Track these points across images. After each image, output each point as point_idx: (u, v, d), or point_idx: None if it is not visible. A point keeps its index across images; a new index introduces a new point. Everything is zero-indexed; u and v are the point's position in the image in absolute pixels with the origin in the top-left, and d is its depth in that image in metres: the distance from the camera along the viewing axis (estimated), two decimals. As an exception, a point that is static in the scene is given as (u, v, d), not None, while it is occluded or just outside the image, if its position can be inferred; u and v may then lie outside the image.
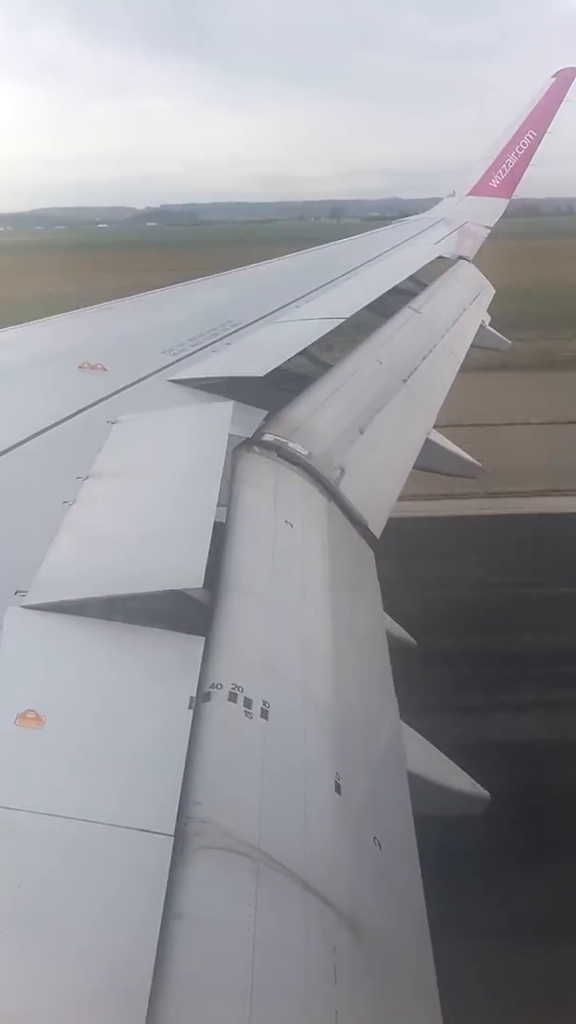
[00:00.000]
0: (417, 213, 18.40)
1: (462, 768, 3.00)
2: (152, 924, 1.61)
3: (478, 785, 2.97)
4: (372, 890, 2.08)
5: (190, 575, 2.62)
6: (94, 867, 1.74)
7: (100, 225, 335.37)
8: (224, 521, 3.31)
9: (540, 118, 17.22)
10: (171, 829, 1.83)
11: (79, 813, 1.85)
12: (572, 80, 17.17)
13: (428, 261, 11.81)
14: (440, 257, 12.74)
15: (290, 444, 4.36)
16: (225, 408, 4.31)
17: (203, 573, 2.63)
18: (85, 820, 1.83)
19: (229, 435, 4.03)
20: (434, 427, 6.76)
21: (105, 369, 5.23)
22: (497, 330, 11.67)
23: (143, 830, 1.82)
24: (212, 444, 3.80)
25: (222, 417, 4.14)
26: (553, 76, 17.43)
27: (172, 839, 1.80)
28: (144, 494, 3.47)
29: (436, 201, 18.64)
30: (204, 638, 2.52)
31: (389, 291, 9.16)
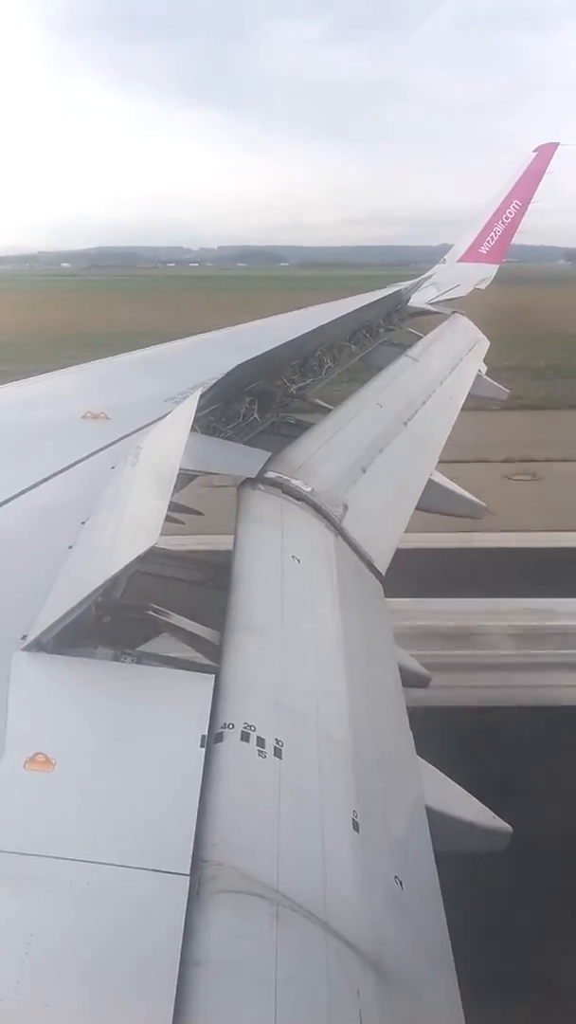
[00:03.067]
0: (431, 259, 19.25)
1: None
2: (170, 972, 1.55)
3: (499, 819, 2.89)
4: (395, 930, 2.00)
5: (150, 533, 2.60)
6: (108, 913, 1.68)
7: (169, 264, 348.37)
8: (232, 558, 3.31)
9: (524, 189, 18.58)
10: (186, 871, 1.78)
11: (91, 856, 1.79)
12: (552, 154, 18.37)
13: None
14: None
15: (293, 481, 4.38)
16: (192, 399, 4.24)
17: (159, 526, 2.61)
18: (98, 863, 1.78)
19: (235, 475, 4.05)
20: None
21: (108, 418, 5.29)
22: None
23: (158, 871, 1.77)
24: (176, 431, 3.80)
25: (187, 409, 4.08)
26: (535, 151, 18.65)
27: (188, 881, 1.75)
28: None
29: (447, 248, 19.52)
30: (214, 676, 2.49)
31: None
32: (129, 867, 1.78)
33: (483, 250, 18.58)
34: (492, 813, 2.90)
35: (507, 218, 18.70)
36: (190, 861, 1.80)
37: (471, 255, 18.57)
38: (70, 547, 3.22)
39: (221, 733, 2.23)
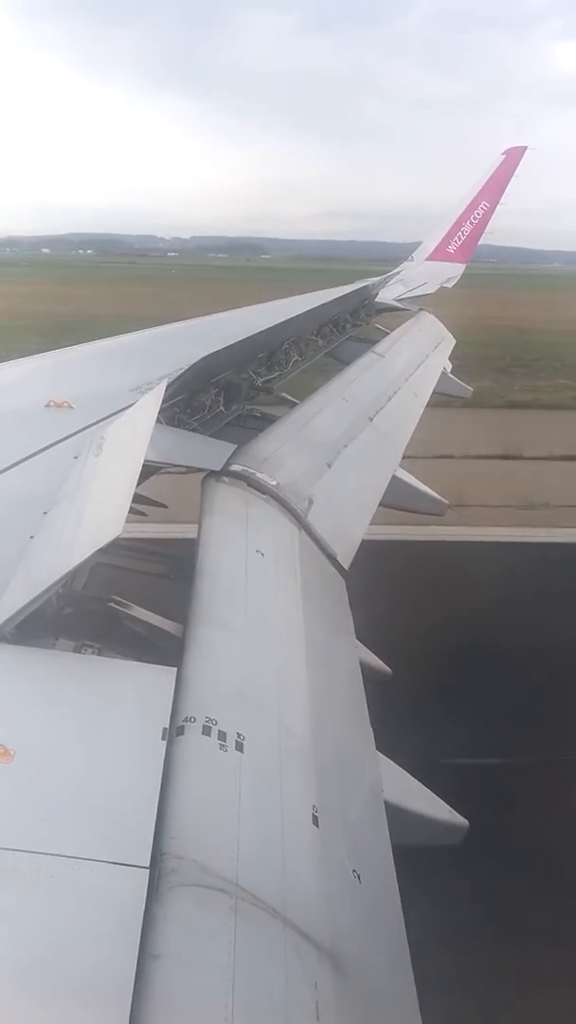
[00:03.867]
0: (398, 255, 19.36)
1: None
2: (128, 964, 1.55)
3: (456, 813, 2.93)
4: (352, 923, 2.03)
5: (113, 524, 2.58)
6: (67, 905, 1.68)
7: (171, 253, 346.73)
8: (195, 551, 3.30)
9: (492, 191, 19.02)
10: (146, 864, 1.77)
11: (51, 848, 1.78)
12: (520, 158, 18.75)
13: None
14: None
15: (258, 475, 4.37)
16: (158, 389, 4.16)
17: (123, 517, 2.60)
18: (57, 855, 1.77)
19: (200, 468, 4.03)
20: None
21: (72, 407, 5.21)
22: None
23: (117, 864, 1.76)
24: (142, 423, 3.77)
25: (153, 400, 4.00)
26: (503, 153, 19.06)
27: (147, 874, 1.75)
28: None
29: (415, 246, 19.71)
30: (176, 670, 2.49)
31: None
32: (89, 860, 1.77)
33: (451, 249, 18.83)
34: (449, 808, 2.94)
35: (475, 218, 19.00)
36: (150, 854, 1.80)
37: (439, 253, 18.80)
38: (31, 537, 3.18)
39: (183, 727, 2.22)
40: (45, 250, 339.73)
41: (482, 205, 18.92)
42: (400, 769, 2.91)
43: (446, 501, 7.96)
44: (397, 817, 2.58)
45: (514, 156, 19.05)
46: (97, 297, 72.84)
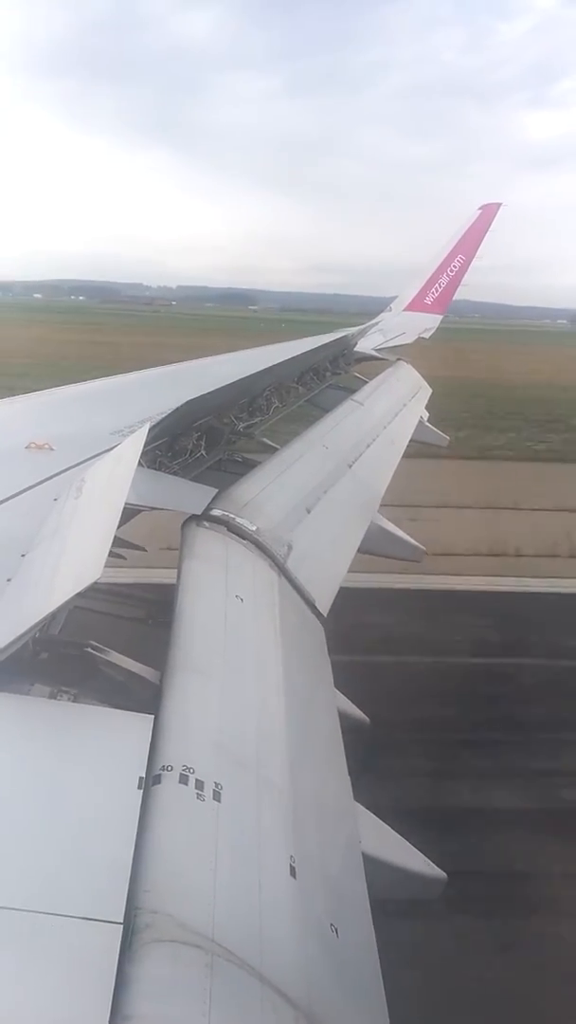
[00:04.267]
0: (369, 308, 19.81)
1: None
2: None
3: (434, 866, 2.89)
4: (330, 980, 1.98)
5: (92, 568, 2.55)
6: (36, 962, 1.62)
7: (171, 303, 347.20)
8: (174, 595, 3.28)
9: (469, 245, 19.68)
10: (120, 919, 1.72)
11: (20, 903, 1.73)
12: (495, 213, 19.44)
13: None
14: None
15: (238, 519, 4.38)
16: (141, 432, 4.16)
17: (102, 561, 2.57)
18: (27, 910, 1.71)
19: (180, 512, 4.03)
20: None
21: (52, 448, 5.22)
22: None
23: (89, 919, 1.71)
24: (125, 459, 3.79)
25: (135, 443, 3.99)
26: (479, 208, 19.75)
27: (120, 930, 1.70)
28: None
29: (389, 299, 20.14)
30: (153, 717, 2.45)
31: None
32: (60, 915, 1.72)
33: (428, 300, 19.27)
34: (427, 859, 2.90)
35: (451, 271, 19.51)
36: (124, 909, 1.76)
37: (416, 304, 19.23)
38: (8, 580, 3.15)
39: (159, 775, 2.19)
40: (37, 295, 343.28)
41: (458, 258, 19.47)
42: (378, 820, 2.87)
43: (423, 548, 8.01)
44: (375, 869, 2.54)
45: (489, 212, 19.70)
46: (135, 345, 71.49)
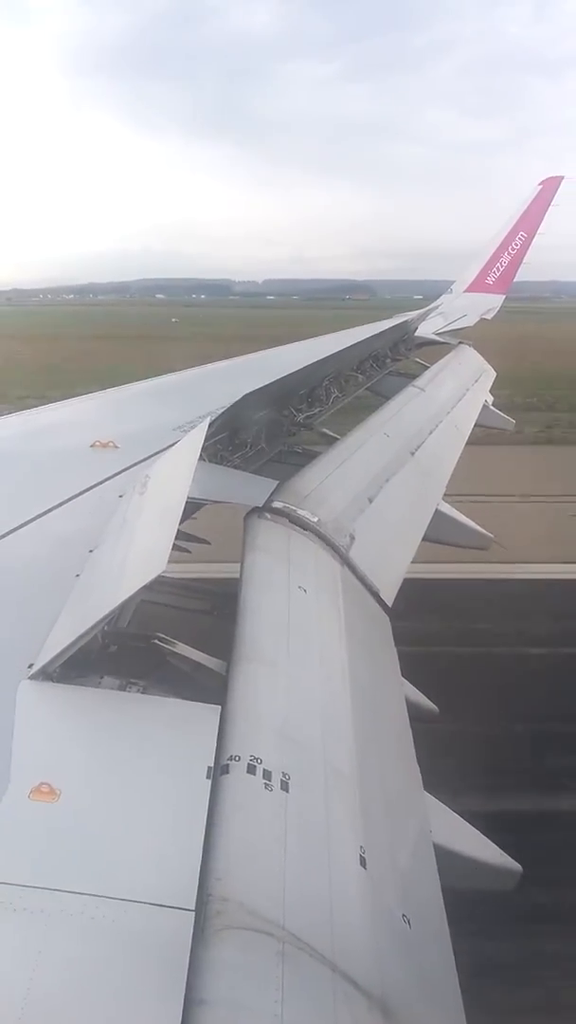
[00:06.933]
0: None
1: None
2: (174, 1010, 1.52)
3: (508, 857, 2.84)
4: (402, 970, 1.97)
5: (157, 562, 2.58)
6: (112, 948, 1.66)
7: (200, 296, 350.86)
8: (238, 587, 3.30)
9: (530, 221, 19.02)
10: (192, 906, 1.75)
11: (95, 889, 1.77)
12: (557, 187, 18.77)
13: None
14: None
15: (300, 511, 4.38)
16: (200, 428, 4.25)
17: (167, 555, 2.59)
18: (102, 896, 1.76)
19: (242, 505, 4.06)
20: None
21: (117, 447, 5.32)
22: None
23: (162, 906, 1.75)
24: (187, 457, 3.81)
25: (196, 438, 4.07)
26: (540, 184, 19.08)
27: (193, 916, 1.73)
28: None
29: (448, 283, 19.74)
30: (220, 707, 2.48)
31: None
32: (133, 901, 1.76)
33: (489, 280, 18.81)
34: (500, 851, 2.85)
35: (513, 249, 19.00)
36: (195, 896, 1.78)
37: (477, 285, 18.79)
38: (77, 576, 3.23)
39: (227, 765, 2.21)
40: (160, 295, 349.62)
41: (519, 235, 18.94)
42: (449, 810, 2.84)
43: (490, 535, 7.86)
44: (446, 860, 2.51)
45: (551, 186, 19.08)
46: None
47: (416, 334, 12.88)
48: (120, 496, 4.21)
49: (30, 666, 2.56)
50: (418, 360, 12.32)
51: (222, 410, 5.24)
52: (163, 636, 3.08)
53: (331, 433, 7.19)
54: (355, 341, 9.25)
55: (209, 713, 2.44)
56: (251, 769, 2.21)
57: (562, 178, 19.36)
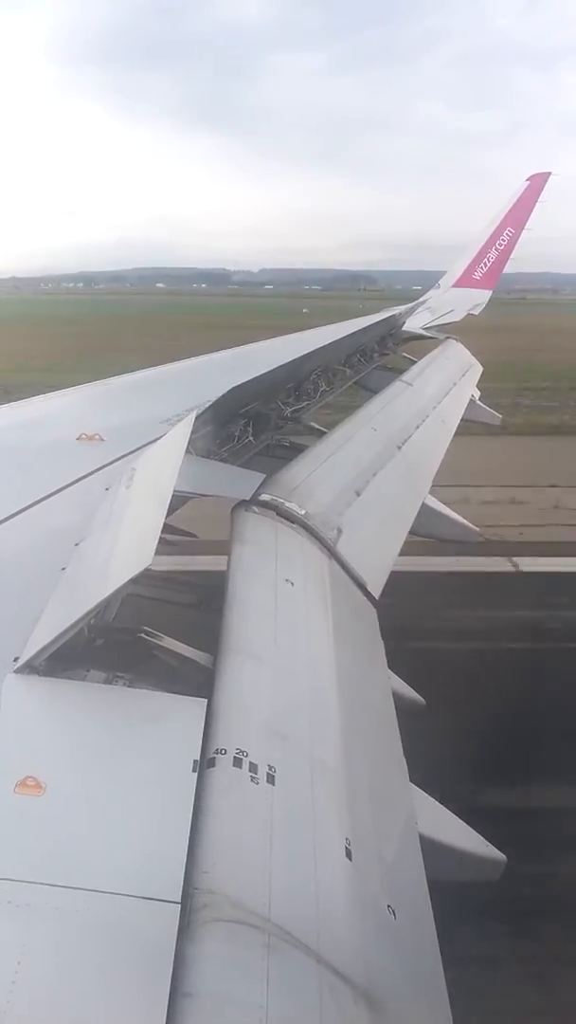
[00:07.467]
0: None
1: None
2: (160, 1002, 1.53)
3: (493, 847, 2.85)
4: (388, 961, 1.98)
5: (143, 555, 2.57)
6: (97, 941, 1.66)
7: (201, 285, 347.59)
8: (225, 581, 3.30)
9: (517, 217, 19.10)
10: (177, 899, 1.75)
11: (81, 883, 1.77)
12: (544, 183, 18.81)
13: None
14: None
15: (287, 504, 4.38)
16: (187, 421, 4.26)
17: (153, 548, 2.58)
18: (87, 890, 1.75)
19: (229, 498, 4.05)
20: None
21: (103, 439, 5.28)
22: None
23: (148, 899, 1.74)
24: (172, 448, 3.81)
25: (182, 431, 4.07)
26: (527, 179, 19.10)
27: (179, 909, 1.73)
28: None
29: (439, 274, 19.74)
30: (206, 701, 2.48)
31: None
32: (119, 894, 1.75)
33: (477, 276, 18.85)
34: (486, 842, 2.87)
35: (500, 245, 19.05)
36: (181, 889, 1.78)
37: (465, 280, 18.83)
38: (63, 569, 3.21)
39: (213, 758, 2.21)
40: (160, 284, 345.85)
41: (507, 231, 18.99)
42: (435, 802, 2.85)
43: (476, 529, 7.89)
44: (432, 851, 2.53)
45: (538, 182, 19.13)
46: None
47: (404, 328, 12.88)
48: (107, 489, 4.19)
49: (16, 659, 2.54)
50: (406, 355, 12.31)
51: (209, 403, 5.22)
52: (149, 630, 3.07)
53: (319, 427, 7.19)
54: (343, 335, 9.24)
55: (195, 706, 2.44)
56: (237, 762, 2.21)
57: (549, 174, 19.42)
